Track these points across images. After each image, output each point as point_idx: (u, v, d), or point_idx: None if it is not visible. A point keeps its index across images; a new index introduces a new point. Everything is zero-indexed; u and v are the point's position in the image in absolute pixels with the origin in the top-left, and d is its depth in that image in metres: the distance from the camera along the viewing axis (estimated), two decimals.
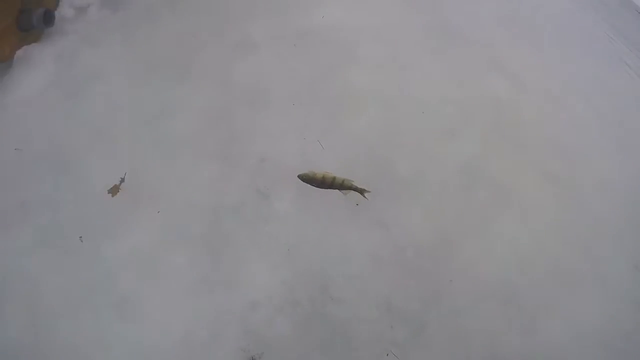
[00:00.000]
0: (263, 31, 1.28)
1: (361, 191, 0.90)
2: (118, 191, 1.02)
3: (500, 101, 1.23)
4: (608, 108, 1.36)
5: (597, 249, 1.09)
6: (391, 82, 1.18)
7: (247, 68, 1.19)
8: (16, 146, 1.08)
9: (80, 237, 0.93)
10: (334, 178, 0.88)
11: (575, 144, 1.22)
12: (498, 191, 1.07)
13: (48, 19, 1.28)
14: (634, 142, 1.30)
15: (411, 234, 0.96)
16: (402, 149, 1.06)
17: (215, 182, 1.00)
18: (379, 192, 0.97)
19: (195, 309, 0.89)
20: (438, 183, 1.04)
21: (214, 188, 0.99)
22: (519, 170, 1.13)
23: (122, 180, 1.01)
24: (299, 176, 0.91)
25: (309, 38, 1.26)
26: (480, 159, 1.10)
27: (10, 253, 0.95)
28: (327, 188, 0.89)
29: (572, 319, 1.00)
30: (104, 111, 1.13)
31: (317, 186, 0.89)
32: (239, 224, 0.95)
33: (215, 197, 0.98)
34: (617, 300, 1.06)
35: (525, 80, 1.30)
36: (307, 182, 0.90)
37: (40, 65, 1.26)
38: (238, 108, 1.11)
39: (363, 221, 0.96)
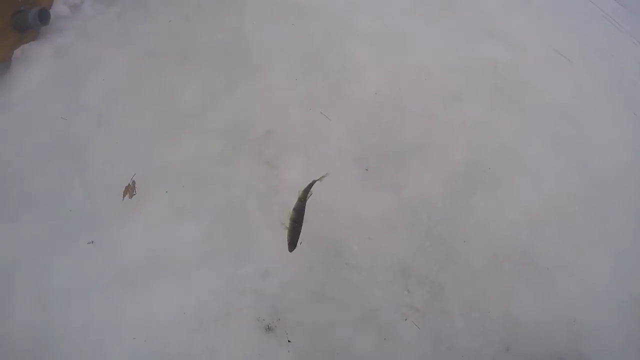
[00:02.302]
0: (258, 12, 1.27)
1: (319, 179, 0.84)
2: (134, 192, 1.02)
3: (501, 65, 1.22)
4: (609, 70, 1.33)
5: (606, 209, 1.08)
6: (391, 52, 1.17)
7: (245, 48, 1.18)
8: (19, 143, 1.09)
9: (90, 242, 0.95)
10: (299, 198, 0.81)
11: (578, 106, 1.21)
12: (505, 153, 1.06)
13: (43, 17, 1.29)
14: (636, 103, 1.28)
15: (422, 197, 0.95)
16: (408, 115, 1.05)
17: (223, 156, 0.99)
18: (387, 158, 0.96)
19: (208, 282, 0.88)
20: (445, 147, 1.03)
21: (223, 162, 0.99)
22: (525, 132, 1.12)
23: (133, 182, 1.01)
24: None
25: (305, 15, 1.25)
26: (486, 122, 1.09)
27: (19, 241, 0.96)
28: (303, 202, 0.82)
29: (585, 279, 0.99)
30: (105, 99, 1.13)
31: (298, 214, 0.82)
32: (249, 195, 0.95)
33: (224, 170, 0.98)
34: (627, 261, 1.04)
35: (524, 44, 1.29)
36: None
37: (39, 62, 1.27)
38: (239, 85, 1.10)
39: (373, 186, 0.95)
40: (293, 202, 0.87)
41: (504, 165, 1.04)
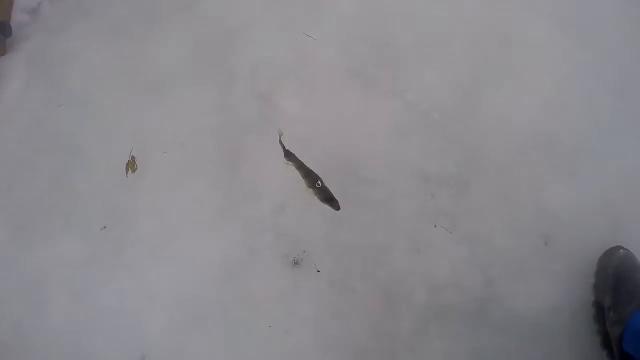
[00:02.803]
0: None
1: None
2: (135, 166, 0.99)
3: None
4: None
5: (623, 82, 1.01)
6: None
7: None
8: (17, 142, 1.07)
9: (103, 227, 0.93)
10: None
11: None
12: (509, 40, 0.98)
13: (5, 30, 1.26)
14: None
15: (430, 97, 0.89)
16: (397, 17, 0.98)
17: (214, 103, 0.94)
18: (384, 65, 0.90)
19: (226, 231, 0.84)
20: (443, 43, 0.96)
21: (215, 109, 0.94)
22: (526, 16, 1.03)
23: (132, 157, 0.98)
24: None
25: None
26: (484, 12, 1.01)
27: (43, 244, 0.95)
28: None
29: (614, 159, 0.93)
30: (88, 83, 1.09)
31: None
32: (249, 134, 0.90)
33: (217, 117, 0.93)
34: None
35: None
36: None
37: (15, 74, 1.25)
38: (215, 28, 1.05)
39: (376, 96, 0.89)
40: (294, 131, 0.83)
41: (510, 53, 0.97)
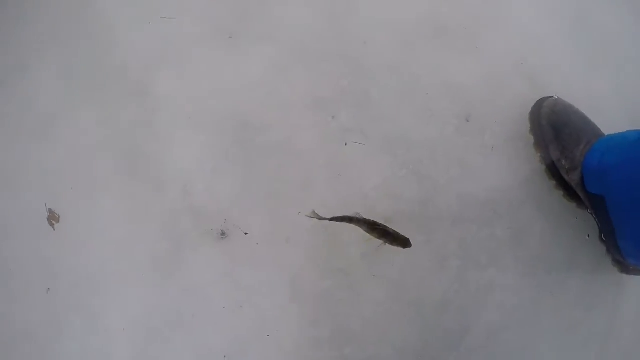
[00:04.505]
0: None
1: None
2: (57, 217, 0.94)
3: None
4: None
5: None
6: None
7: None
8: None
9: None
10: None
11: None
12: None
13: None
14: None
15: (298, 28, 0.83)
16: None
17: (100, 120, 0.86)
18: (245, 15, 0.84)
19: (145, 235, 0.78)
20: None
21: (101, 125, 0.86)
22: None
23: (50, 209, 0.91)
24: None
25: None
26: None
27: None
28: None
29: (510, 23, 0.90)
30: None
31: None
32: (138, 132, 0.82)
33: (106, 130, 0.83)
34: None
35: None
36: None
37: None
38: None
39: (246, 45, 0.83)
40: (177, 108, 0.79)
41: None
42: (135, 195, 0.80)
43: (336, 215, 0.70)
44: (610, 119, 0.85)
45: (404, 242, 0.69)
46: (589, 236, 0.82)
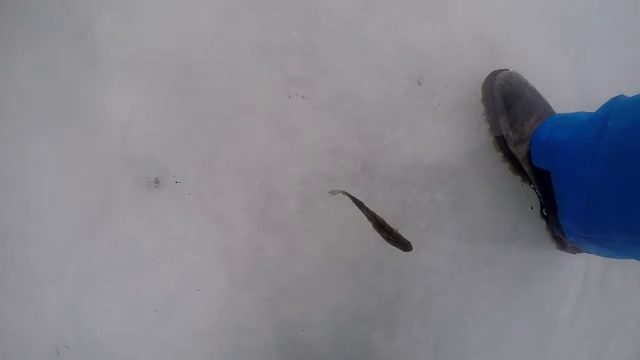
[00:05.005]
0: None
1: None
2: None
3: None
4: None
5: None
6: None
7: None
8: None
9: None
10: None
11: None
12: None
13: None
14: None
15: None
16: None
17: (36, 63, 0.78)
18: None
19: (78, 181, 0.73)
20: None
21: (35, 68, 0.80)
22: None
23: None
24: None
25: None
26: None
27: None
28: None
29: None
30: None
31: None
32: (81, 79, 0.75)
33: (43, 80, 0.77)
34: None
35: None
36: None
37: None
38: None
39: None
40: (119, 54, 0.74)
41: None
42: (70, 141, 0.75)
43: (357, 199, 0.69)
44: (564, 101, 0.84)
45: (405, 245, 0.71)
46: (532, 208, 0.83)
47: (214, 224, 0.72)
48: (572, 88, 0.92)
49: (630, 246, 0.64)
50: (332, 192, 0.69)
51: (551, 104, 0.81)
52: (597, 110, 0.66)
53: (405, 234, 0.73)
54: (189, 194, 0.72)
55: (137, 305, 0.75)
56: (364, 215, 0.69)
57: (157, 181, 0.72)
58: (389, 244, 0.70)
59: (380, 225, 0.69)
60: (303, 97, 0.73)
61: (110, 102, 0.75)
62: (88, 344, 0.75)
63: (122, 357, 0.73)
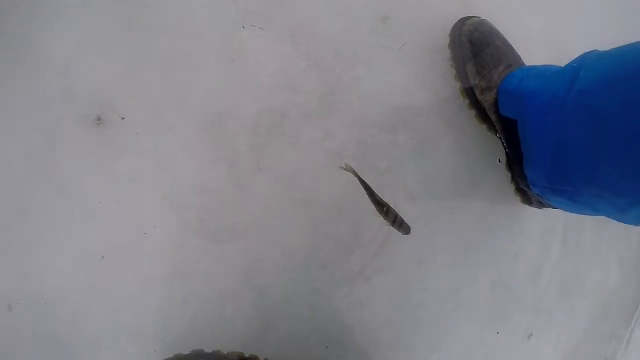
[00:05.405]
0: None
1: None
2: None
3: None
4: None
5: None
6: None
7: None
8: None
9: None
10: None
11: None
12: None
13: None
14: None
15: None
16: None
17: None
18: None
19: (17, 122, 0.66)
20: None
21: None
22: None
23: None
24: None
25: None
26: None
27: None
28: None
29: None
30: None
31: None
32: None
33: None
34: None
35: None
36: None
37: None
38: None
39: None
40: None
41: None
42: (11, 80, 0.69)
43: (366, 183, 0.67)
44: (534, 54, 0.82)
45: (406, 230, 0.70)
46: (500, 161, 0.81)
47: (162, 165, 0.68)
48: (544, 43, 0.90)
49: (598, 200, 0.62)
50: (345, 168, 0.67)
51: (522, 57, 0.78)
52: (570, 63, 0.64)
53: (364, 175, 0.70)
54: (137, 133, 0.68)
55: (84, 252, 0.71)
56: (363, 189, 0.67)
57: (100, 119, 0.66)
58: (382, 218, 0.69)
59: (385, 211, 0.68)
60: (259, 28, 0.68)
61: (54, 34, 0.69)
62: (39, 298, 0.71)
63: (74, 309, 0.70)
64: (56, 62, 0.69)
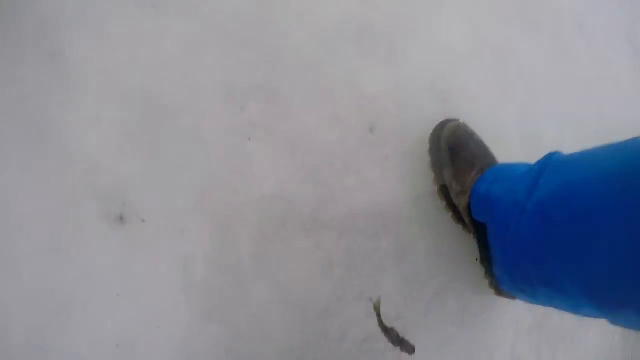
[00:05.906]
0: None
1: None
2: None
3: None
4: None
5: None
6: None
7: None
8: None
9: None
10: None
11: None
12: None
13: None
14: None
15: (222, 6, 0.78)
16: None
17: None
18: None
19: (46, 213, 0.70)
20: None
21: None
22: None
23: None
24: None
25: None
26: None
27: None
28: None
29: (430, 38, 0.91)
30: None
31: None
32: (50, 100, 0.72)
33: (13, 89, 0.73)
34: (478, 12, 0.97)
35: None
36: None
37: None
38: None
39: (167, 17, 0.76)
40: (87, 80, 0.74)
41: None
42: (38, 168, 0.75)
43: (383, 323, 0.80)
44: (509, 149, 0.89)
45: (409, 350, 0.79)
46: (477, 259, 0.86)
47: (174, 263, 0.72)
48: (517, 137, 0.98)
49: (553, 300, 0.69)
50: (374, 303, 0.79)
51: (497, 153, 0.84)
52: (534, 164, 0.70)
53: (349, 280, 0.76)
54: (153, 232, 0.71)
55: (99, 339, 0.74)
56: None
57: (122, 217, 0.71)
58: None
59: (390, 332, 0.78)
60: (262, 141, 0.76)
61: (79, 130, 0.72)
62: None
63: None
64: (81, 157, 0.71)
